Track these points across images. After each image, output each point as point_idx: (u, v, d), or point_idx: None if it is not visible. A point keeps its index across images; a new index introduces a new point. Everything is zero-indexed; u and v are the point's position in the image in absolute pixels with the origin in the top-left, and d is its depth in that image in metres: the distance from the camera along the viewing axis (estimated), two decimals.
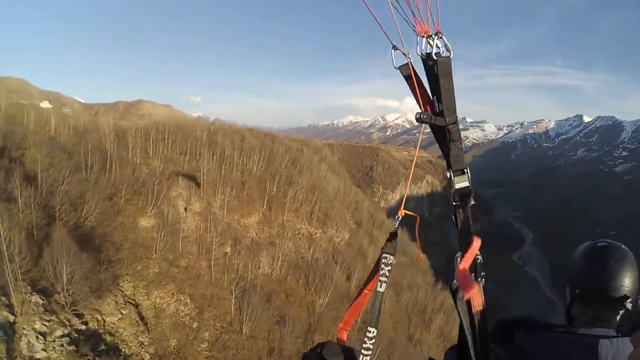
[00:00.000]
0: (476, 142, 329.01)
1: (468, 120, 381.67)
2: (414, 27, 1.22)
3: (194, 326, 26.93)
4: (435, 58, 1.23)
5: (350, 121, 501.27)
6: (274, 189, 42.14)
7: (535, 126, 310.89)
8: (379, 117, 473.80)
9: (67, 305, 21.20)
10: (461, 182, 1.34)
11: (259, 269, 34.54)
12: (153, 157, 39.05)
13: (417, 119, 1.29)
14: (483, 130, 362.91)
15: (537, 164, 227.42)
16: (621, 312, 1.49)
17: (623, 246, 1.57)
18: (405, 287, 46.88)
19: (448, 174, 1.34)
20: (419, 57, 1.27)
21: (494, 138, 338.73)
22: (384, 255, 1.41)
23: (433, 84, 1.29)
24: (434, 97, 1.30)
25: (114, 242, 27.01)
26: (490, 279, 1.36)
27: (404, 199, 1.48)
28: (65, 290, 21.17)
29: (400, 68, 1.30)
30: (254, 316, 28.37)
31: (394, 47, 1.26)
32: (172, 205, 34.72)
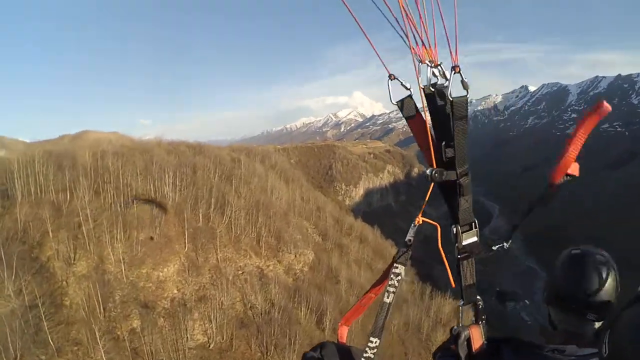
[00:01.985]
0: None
1: None
2: (416, 50, 1.00)
3: None
4: (451, 99, 0.99)
5: (304, 123, 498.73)
6: (200, 219, 30.97)
7: (483, 102, 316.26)
8: (331, 115, 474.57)
9: None
10: (469, 238, 1.21)
11: (187, 341, 23.72)
12: (22, 202, 27.64)
13: (428, 179, 1.10)
14: None
15: (491, 139, 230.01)
16: (595, 322, 1.44)
17: (599, 253, 1.47)
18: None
19: (454, 229, 1.19)
20: (417, 89, 1.03)
21: None
22: (395, 265, 1.31)
23: (440, 126, 1.07)
24: (441, 142, 1.07)
25: None
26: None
27: (423, 206, 1.29)
28: None
29: (399, 103, 1.08)
30: None
31: (391, 77, 1.03)
32: (45, 271, 23.90)
